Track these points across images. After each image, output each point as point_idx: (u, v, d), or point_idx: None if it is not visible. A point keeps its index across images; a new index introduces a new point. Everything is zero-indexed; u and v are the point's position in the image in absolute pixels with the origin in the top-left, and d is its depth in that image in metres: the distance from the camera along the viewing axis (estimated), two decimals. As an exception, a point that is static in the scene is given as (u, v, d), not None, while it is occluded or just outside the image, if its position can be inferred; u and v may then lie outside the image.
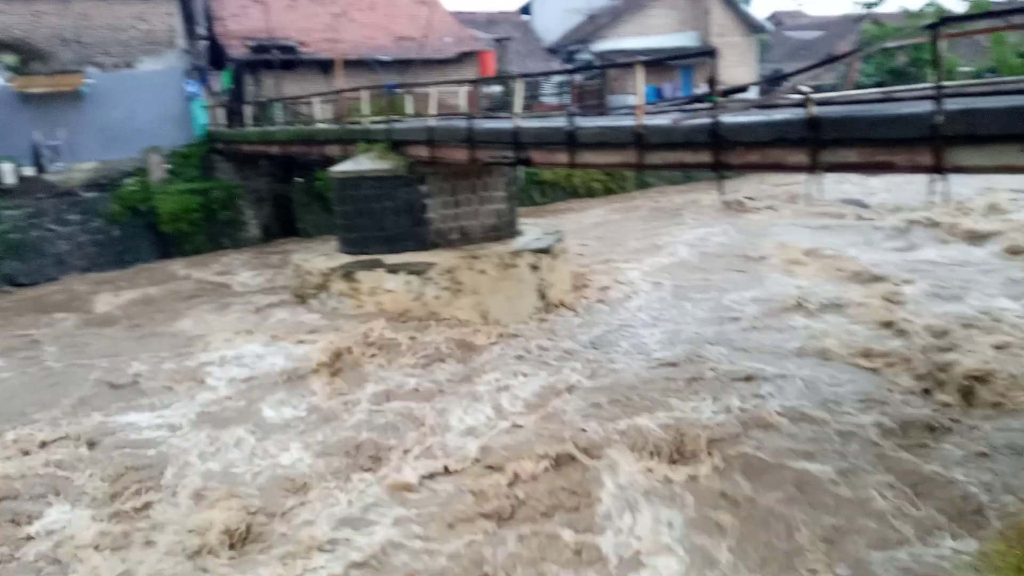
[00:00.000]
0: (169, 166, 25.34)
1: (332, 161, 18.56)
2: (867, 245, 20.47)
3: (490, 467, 9.33)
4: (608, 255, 21.25)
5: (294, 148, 21.57)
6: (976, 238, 19.54)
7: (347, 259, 16.34)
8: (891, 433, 9.61)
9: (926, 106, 7.59)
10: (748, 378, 11.81)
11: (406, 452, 9.86)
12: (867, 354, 12.38)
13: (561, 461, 9.32)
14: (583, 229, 25.11)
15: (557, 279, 16.82)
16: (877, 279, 16.98)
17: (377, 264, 15.85)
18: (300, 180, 26.34)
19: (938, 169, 7.61)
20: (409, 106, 18.76)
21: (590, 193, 31.91)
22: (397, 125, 17.01)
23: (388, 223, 16.35)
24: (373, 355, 13.31)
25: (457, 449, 9.88)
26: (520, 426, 10.53)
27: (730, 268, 19.37)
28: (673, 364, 12.75)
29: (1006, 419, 9.98)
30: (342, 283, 15.92)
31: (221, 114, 27.67)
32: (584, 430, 10.06)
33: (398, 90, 19.52)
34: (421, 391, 11.92)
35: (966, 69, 36.79)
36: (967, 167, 7.63)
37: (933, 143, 7.52)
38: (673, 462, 9.19)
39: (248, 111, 25.69)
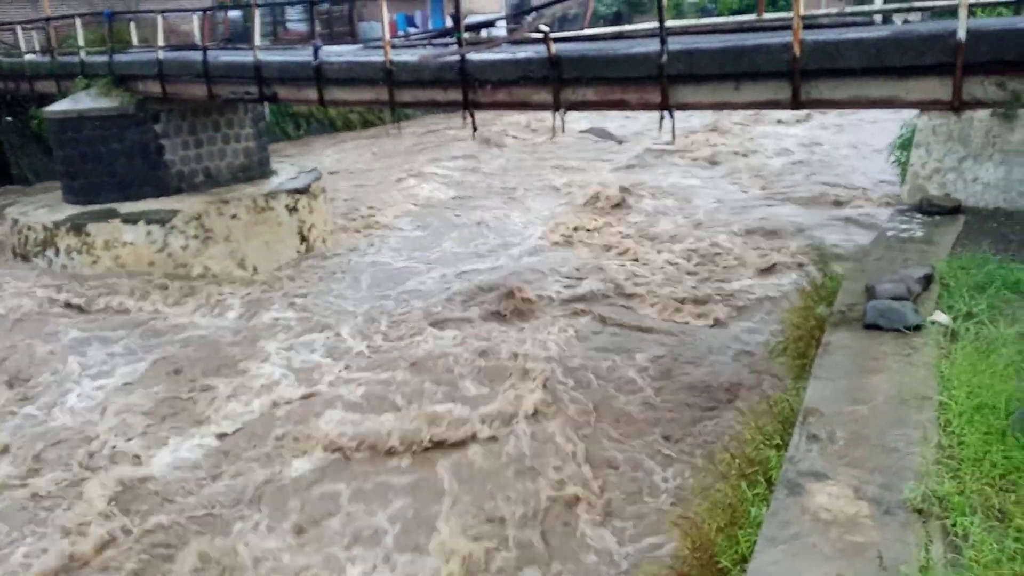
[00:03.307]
0: None
1: (47, 98, 16.39)
2: (611, 169, 21.99)
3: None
4: (371, 191, 20.92)
5: (-3, 83, 18.77)
6: (707, 162, 22.01)
7: (75, 210, 14.65)
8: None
9: (654, 45, 8.08)
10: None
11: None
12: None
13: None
14: (344, 164, 24.47)
15: (318, 219, 16.29)
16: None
17: (111, 214, 14.37)
18: (11, 120, 23.03)
19: (665, 106, 8.19)
20: (134, 35, 16.91)
21: (347, 125, 30.96)
22: (121, 57, 15.31)
23: (120, 168, 14.82)
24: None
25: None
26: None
27: (487, 199, 19.86)
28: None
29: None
30: (72, 237, 14.26)
31: None
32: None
33: (119, 16, 17.51)
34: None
35: (692, 0, 39.76)
36: (690, 104, 8.29)
37: (660, 82, 8.05)
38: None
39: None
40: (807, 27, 7.57)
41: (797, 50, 7.24)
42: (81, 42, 16.30)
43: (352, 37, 30.82)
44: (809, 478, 3.43)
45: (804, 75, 7.39)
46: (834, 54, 7.29)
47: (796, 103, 7.59)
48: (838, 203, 17.17)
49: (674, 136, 8.85)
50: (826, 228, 15.08)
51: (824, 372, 4.42)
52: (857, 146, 22.75)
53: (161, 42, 14.13)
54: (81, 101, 14.95)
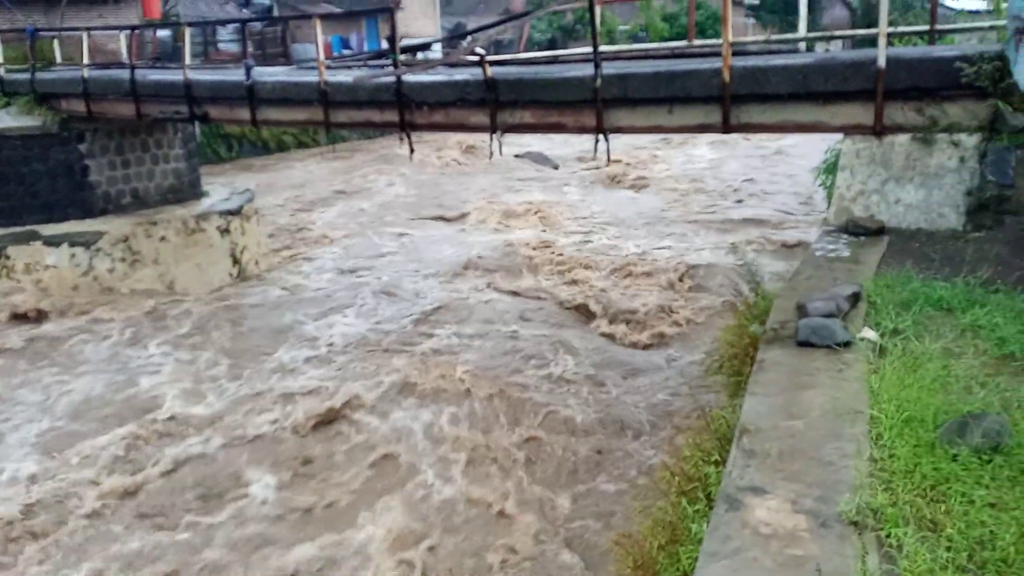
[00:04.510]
0: None
1: (-38, 117, 15.71)
2: (546, 191, 22.25)
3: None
4: (305, 213, 20.68)
5: (-92, 100, 17.87)
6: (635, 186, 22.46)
7: (-8, 232, 14.08)
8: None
9: (589, 69, 8.20)
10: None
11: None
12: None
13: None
14: (277, 186, 24.14)
15: (251, 242, 15.98)
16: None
17: (33, 236, 13.82)
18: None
19: (601, 130, 8.30)
20: (58, 52, 16.40)
21: (281, 147, 30.53)
22: (44, 75, 14.82)
23: (42, 188, 14.28)
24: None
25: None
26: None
27: (420, 224, 19.84)
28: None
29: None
30: (-11, 261, 13.69)
31: None
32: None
33: (43, 33, 16.94)
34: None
35: (625, 28, 40.66)
36: (625, 127, 8.43)
37: (595, 105, 8.17)
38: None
39: None
40: (736, 54, 7.80)
41: (727, 75, 7.44)
42: (1, 59, 15.73)
43: (286, 58, 30.53)
44: (748, 493, 3.46)
45: (734, 100, 7.60)
46: (762, 80, 7.52)
47: (727, 127, 7.79)
48: (770, 224, 17.69)
49: (609, 160, 8.97)
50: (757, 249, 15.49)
51: (759, 388, 4.49)
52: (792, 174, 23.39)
53: (86, 60, 13.75)
54: (1, 119, 14.40)
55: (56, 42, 16.57)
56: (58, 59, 16.20)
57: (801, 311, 5.27)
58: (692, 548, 3.52)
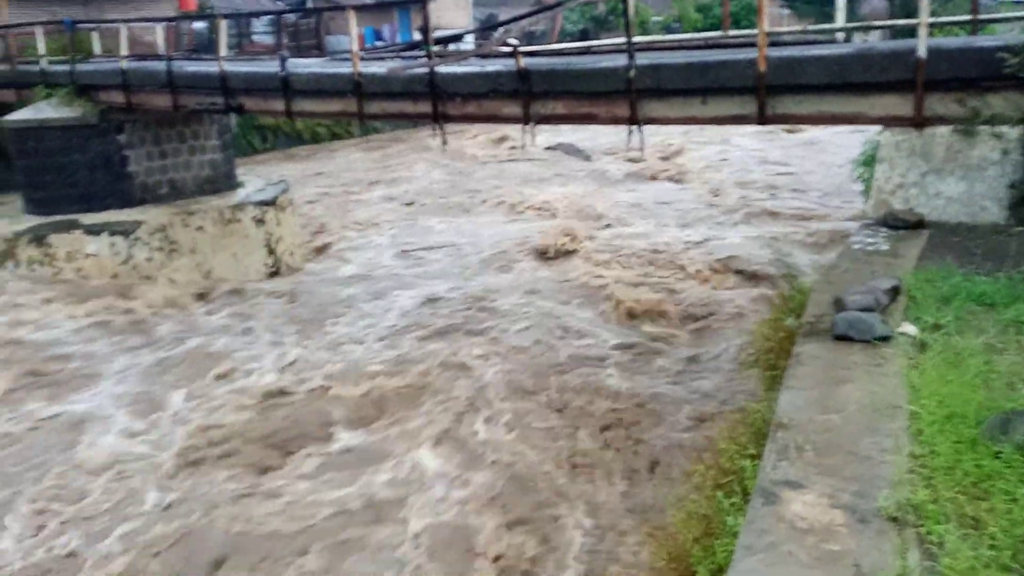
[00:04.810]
0: None
1: (6, 108, 16.06)
2: (580, 182, 22.16)
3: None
4: (349, 200, 21.00)
5: (-47, 92, 18.28)
6: (672, 178, 22.30)
7: (35, 221, 14.34)
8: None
9: (622, 60, 8.15)
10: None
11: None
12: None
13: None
14: (321, 174, 24.50)
15: (286, 232, 16.12)
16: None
17: (74, 225, 14.10)
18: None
19: (634, 121, 8.25)
20: (97, 45, 16.66)
21: (315, 138, 30.79)
22: (83, 67, 15.06)
23: (82, 178, 14.55)
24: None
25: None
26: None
27: (460, 211, 19.90)
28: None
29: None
30: (32, 249, 13.97)
31: None
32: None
33: (82, 26, 17.22)
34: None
35: (658, 19, 40.29)
36: (658, 118, 8.36)
37: (628, 96, 8.12)
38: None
39: None
40: (771, 44, 7.69)
41: (762, 66, 7.35)
42: (42, 51, 16.02)
43: (319, 50, 30.62)
44: (784, 487, 3.44)
45: (769, 90, 7.50)
46: (798, 70, 7.42)
47: (762, 118, 7.70)
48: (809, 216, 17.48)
49: (642, 151, 8.92)
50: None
51: (796, 382, 4.46)
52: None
53: (124, 52, 13.95)
54: (42, 111, 14.68)
55: (95, 34, 16.83)
56: (97, 51, 16.45)
57: (839, 305, 5.21)
58: (728, 541, 3.51)
